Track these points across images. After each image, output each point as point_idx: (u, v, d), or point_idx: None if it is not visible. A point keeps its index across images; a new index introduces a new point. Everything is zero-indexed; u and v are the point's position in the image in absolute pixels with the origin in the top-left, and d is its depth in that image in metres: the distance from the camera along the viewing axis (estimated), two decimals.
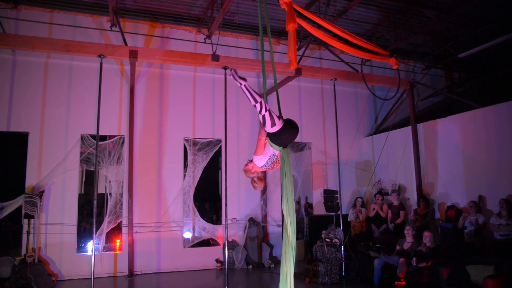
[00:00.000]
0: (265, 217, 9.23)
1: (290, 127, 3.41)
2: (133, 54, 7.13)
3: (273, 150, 3.48)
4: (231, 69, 3.39)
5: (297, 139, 9.54)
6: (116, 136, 8.29)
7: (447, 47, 9.24)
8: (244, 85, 3.28)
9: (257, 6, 4.39)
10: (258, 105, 3.30)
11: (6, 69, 7.75)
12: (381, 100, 10.28)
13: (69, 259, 7.64)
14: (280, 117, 3.46)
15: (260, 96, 3.34)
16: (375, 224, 8.83)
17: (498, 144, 7.31)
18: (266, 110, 3.29)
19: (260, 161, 3.55)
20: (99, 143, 7.27)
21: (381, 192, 9.28)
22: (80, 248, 7.94)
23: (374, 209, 8.91)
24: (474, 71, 10.47)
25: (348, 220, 8.95)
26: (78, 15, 8.17)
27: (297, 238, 9.89)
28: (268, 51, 4.31)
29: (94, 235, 6.39)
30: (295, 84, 9.88)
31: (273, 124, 3.33)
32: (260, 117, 3.35)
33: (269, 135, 3.39)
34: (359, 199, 9.10)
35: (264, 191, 9.28)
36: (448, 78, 11.33)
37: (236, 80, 3.29)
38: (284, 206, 3.41)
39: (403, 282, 6.12)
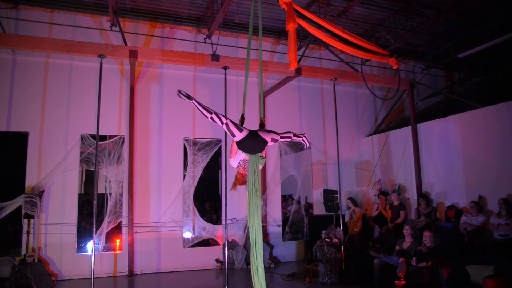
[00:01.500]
0: (265, 217, 9.23)
1: (249, 139, 3.74)
2: (133, 54, 7.13)
3: (243, 155, 3.84)
4: (178, 90, 3.56)
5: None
6: (116, 136, 8.29)
7: (447, 47, 9.24)
8: (193, 102, 3.54)
9: (257, 6, 4.39)
10: (210, 119, 3.63)
11: (6, 69, 7.75)
12: (381, 100, 10.29)
13: (69, 259, 7.64)
14: (257, 127, 3.92)
15: (211, 111, 3.62)
16: (377, 224, 8.83)
17: (498, 144, 7.31)
18: (222, 123, 3.63)
19: (234, 163, 3.97)
20: (99, 143, 7.27)
21: (384, 193, 9.28)
22: (80, 248, 7.94)
23: (377, 208, 8.91)
24: (474, 71, 10.47)
25: (346, 221, 8.94)
26: (78, 15, 8.17)
27: (297, 238, 9.93)
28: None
29: (94, 235, 6.39)
30: (295, 84, 9.88)
31: (232, 135, 3.71)
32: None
33: (236, 141, 3.78)
34: (348, 201, 9.11)
35: (263, 191, 9.28)
36: (448, 78, 11.33)
37: (184, 99, 3.53)
38: (250, 221, 3.64)
39: (403, 282, 6.11)
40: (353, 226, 8.74)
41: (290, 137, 4.01)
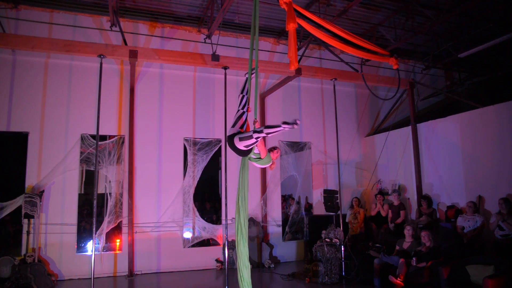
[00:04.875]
0: (265, 217, 9.23)
1: (228, 141, 3.92)
2: (133, 54, 7.13)
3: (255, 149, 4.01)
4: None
5: (296, 139, 9.66)
6: (116, 136, 8.29)
7: (447, 47, 9.23)
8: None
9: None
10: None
11: (6, 69, 7.75)
12: (381, 100, 10.28)
13: (69, 259, 7.64)
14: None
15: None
16: (375, 224, 8.82)
17: (498, 144, 7.31)
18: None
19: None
20: (99, 143, 7.27)
21: (382, 192, 9.28)
22: (80, 248, 7.94)
23: (376, 208, 8.89)
24: (474, 71, 10.46)
25: (346, 221, 8.93)
26: (78, 15, 8.17)
27: (297, 238, 9.92)
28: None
29: (94, 235, 6.39)
30: (295, 84, 9.88)
31: None
32: None
33: None
34: (355, 199, 9.11)
35: (263, 191, 9.29)
36: (448, 78, 11.33)
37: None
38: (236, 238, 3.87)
39: (401, 284, 6.09)
40: (357, 227, 8.71)
41: (260, 132, 3.57)
